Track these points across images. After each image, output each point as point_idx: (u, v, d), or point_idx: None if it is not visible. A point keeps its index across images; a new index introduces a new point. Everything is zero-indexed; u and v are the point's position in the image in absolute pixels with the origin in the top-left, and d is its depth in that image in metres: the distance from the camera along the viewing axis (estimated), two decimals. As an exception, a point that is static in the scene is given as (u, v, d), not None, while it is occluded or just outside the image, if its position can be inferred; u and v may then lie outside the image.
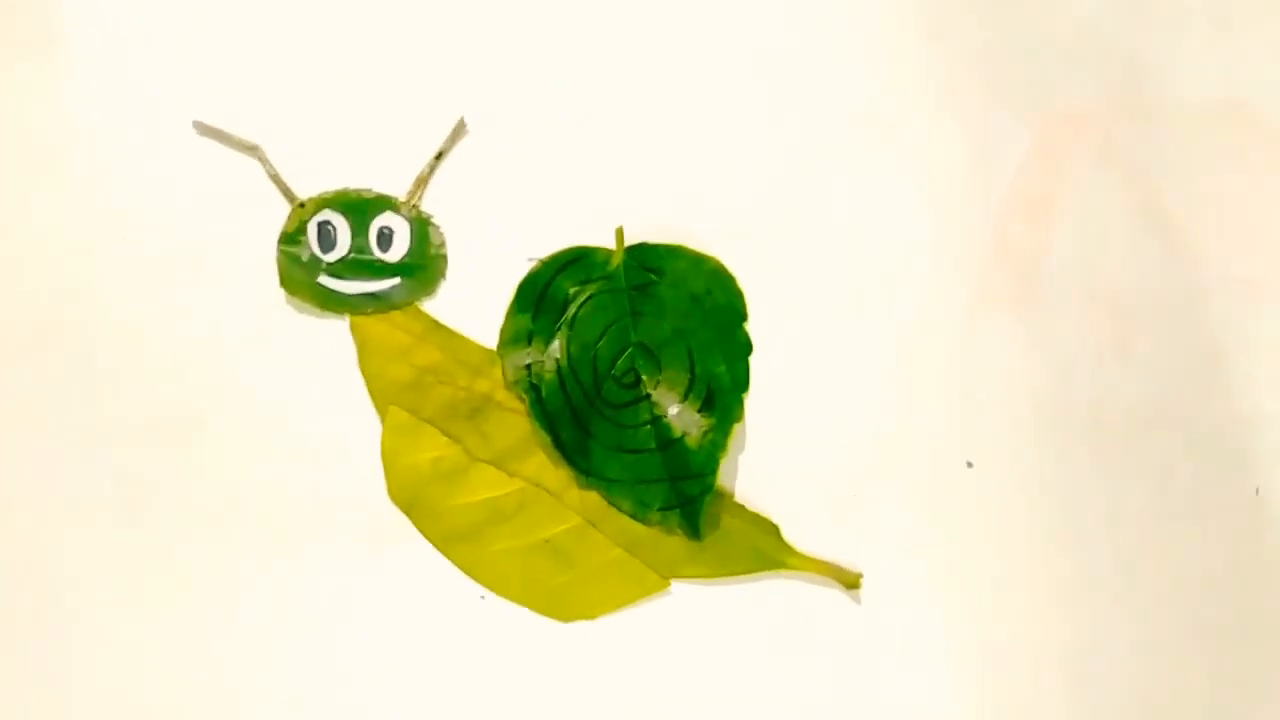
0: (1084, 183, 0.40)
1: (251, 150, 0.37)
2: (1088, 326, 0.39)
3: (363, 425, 0.37)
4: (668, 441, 0.37)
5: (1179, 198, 0.40)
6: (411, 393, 0.37)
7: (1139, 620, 0.38)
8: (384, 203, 0.37)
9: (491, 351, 0.37)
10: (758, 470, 0.38)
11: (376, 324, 0.37)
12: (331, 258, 0.37)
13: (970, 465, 0.38)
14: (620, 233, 0.38)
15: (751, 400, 0.38)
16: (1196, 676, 0.38)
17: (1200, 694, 0.38)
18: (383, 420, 0.37)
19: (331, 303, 0.37)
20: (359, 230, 0.37)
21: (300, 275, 0.37)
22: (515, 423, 0.37)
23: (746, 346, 0.38)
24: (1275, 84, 0.41)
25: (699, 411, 0.37)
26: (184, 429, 0.37)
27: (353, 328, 0.37)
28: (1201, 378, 0.39)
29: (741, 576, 0.37)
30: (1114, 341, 0.39)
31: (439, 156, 0.38)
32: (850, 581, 0.37)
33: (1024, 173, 0.40)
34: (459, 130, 0.38)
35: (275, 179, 0.37)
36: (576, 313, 0.37)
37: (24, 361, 0.37)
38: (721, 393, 0.37)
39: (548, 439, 0.37)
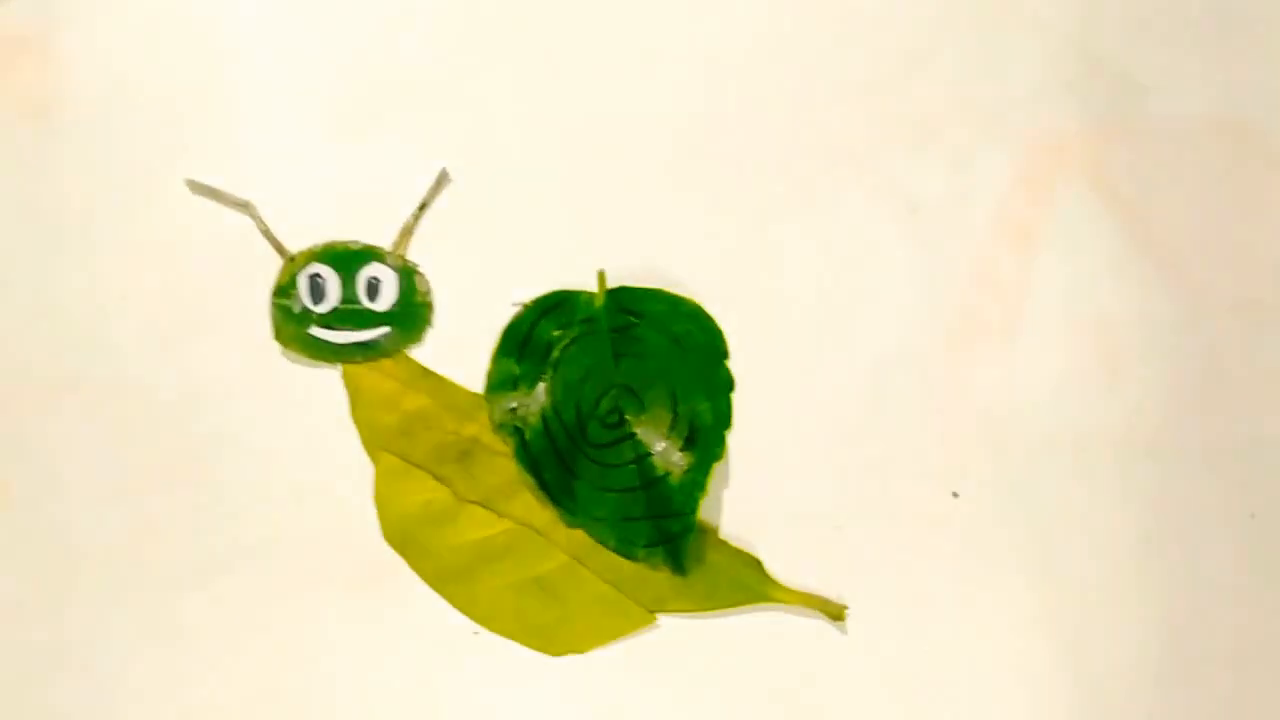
0: (1070, 208, 0.40)
1: (243, 207, 0.39)
2: (1074, 354, 0.39)
3: (356, 471, 0.38)
4: (651, 480, 0.38)
5: (1168, 220, 0.40)
6: (401, 438, 0.38)
7: (1132, 650, 0.38)
8: (371, 254, 0.39)
9: (478, 396, 0.38)
10: (743, 505, 0.38)
11: (367, 373, 0.39)
12: (322, 309, 0.39)
13: (956, 495, 0.39)
14: (602, 276, 0.39)
15: (736, 436, 0.38)
16: (1192, 707, 0.38)
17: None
18: (375, 465, 0.38)
19: (323, 353, 0.39)
20: (348, 281, 0.39)
21: (292, 327, 0.39)
22: (502, 465, 0.38)
23: (728, 383, 0.38)
24: (1270, 101, 0.40)
25: (681, 450, 0.38)
26: (188, 479, 0.38)
27: (344, 376, 0.39)
28: (1192, 403, 0.39)
29: (727, 610, 0.38)
30: (1100, 368, 0.39)
31: (423, 207, 0.39)
32: (835, 613, 0.38)
33: (1008, 200, 0.40)
34: (442, 181, 0.39)
35: (267, 234, 0.39)
36: (560, 356, 0.38)
37: (32, 416, 0.38)
38: (704, 430, 0.38)
39: (532, 480, 0.38)
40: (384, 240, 0.39)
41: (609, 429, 0.38)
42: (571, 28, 0.40)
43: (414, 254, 0.39)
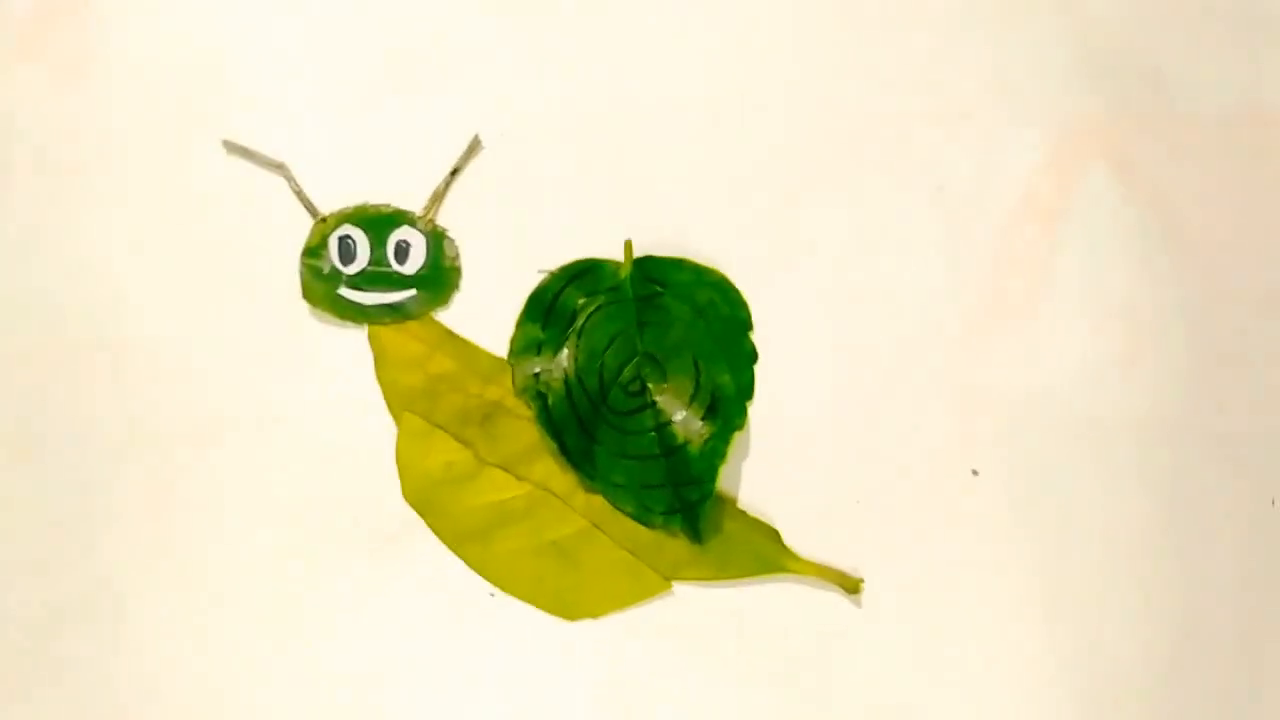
0: (1095, 194, 0.40)
1: (277, 168, 0.39)
2: (1094, 338, 0.39)
3: (379, 430, 0.39)
4: (671, 448, 0.38)
5: (1191, 209, 0.40)
6: (425, 400, 0.39)
7: (1145, 632, 0.38)
8: (401, 217, 0.39)
9: (502, 360, 0.39)
10: (763, 476, 0.39)
11: (393, 334, 0.39)
12: (351, 270, 0.39)
13: (975, 473, 0.39)
14: (629, 245, 0.39)
15: (757, 407, 0.39)
16: (1204, 692, 0.38)
17: (1205, 707, 0.38)
18: (398, 426, 0.39)
19: (351, 313, 0.39)
20: (377, 244, 0.39)
21: (321, 287, 0.39)
22: (524, 429, 0.39)
23: (751, 355, 0.39)
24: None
25: (702, 419, 0.38)
26: (213, 434, 0.39)
27: (370, 337, 0.39)
28: (1211, 390, 0.39)
29: (742, 579, 0.38)
30: (1121, 354, 0.39)
31: (454, 173, 0.39)
32: (851, 586, 0.38)
33: (1034, 184, 0.40)
34: (474, 147, 0.40)
35: (299, 195, 0.39)
36: (585, 323, 0.39)
37: (63, 372, 0.39)
38: (725, 400, 0.38)
39: (553, 445, 0.38)
40: (415, 204, 0.39)
41: (631, 396, 0.38)
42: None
43: (444, 219, 0.39)
